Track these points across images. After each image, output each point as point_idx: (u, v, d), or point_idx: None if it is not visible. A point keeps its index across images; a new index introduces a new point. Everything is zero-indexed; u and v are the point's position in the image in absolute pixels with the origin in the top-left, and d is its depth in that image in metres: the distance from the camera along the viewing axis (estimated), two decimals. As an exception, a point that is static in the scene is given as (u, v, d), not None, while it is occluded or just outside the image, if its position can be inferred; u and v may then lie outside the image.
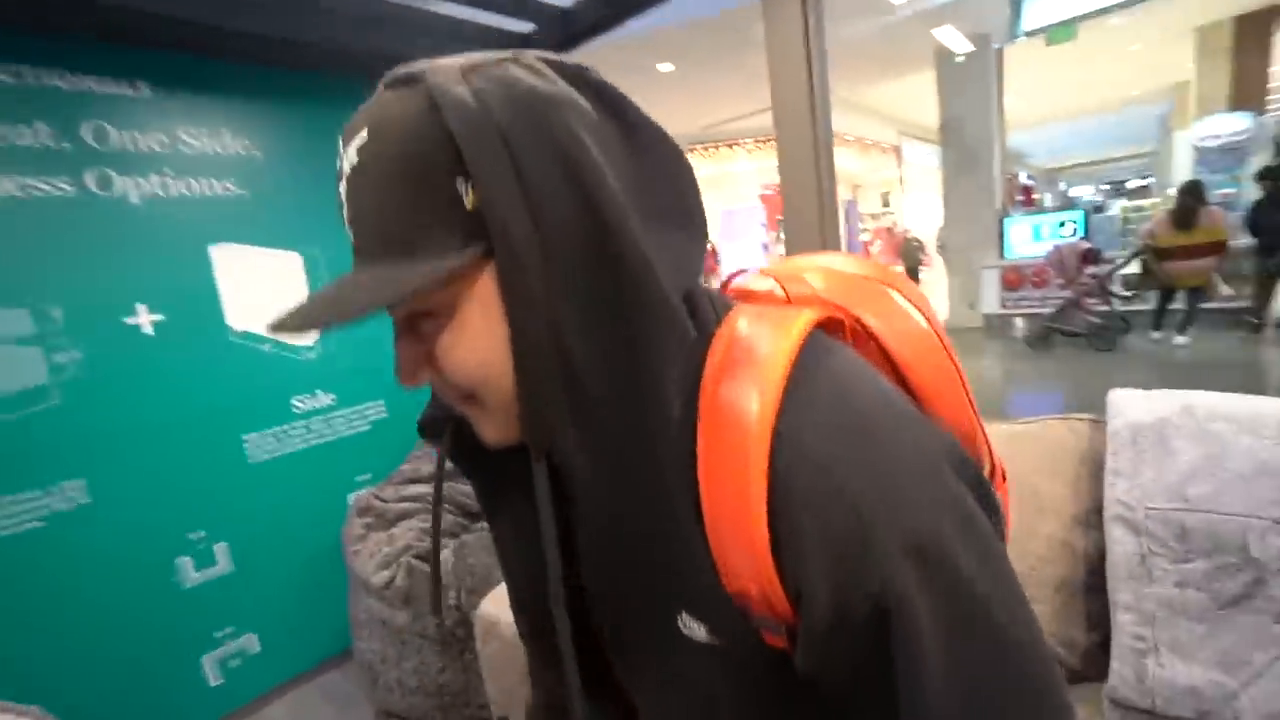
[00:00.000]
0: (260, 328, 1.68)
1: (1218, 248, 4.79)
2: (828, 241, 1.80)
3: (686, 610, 0.38)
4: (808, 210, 1.72)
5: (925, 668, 0.31)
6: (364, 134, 0.35)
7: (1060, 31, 5.57)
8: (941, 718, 0.31)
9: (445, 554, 1.48)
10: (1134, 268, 5.57)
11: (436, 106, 0.34)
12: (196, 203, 1.57)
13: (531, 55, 0.37)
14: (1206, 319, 5.25)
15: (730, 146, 9.97)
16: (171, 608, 1.53)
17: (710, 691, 0.40)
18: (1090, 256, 5.76)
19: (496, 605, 1.15)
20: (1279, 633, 0.85)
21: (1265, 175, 4.90)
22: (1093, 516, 1.03)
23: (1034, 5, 5.24)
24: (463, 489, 1.69)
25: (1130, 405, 1.05)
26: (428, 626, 1.40)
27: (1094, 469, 1.05)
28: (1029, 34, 5.46)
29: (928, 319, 0.45)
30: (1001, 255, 6.99)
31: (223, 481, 1.62)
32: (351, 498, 1.82)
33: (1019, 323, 6.83)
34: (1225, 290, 5.36)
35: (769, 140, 10.87)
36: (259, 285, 1.68)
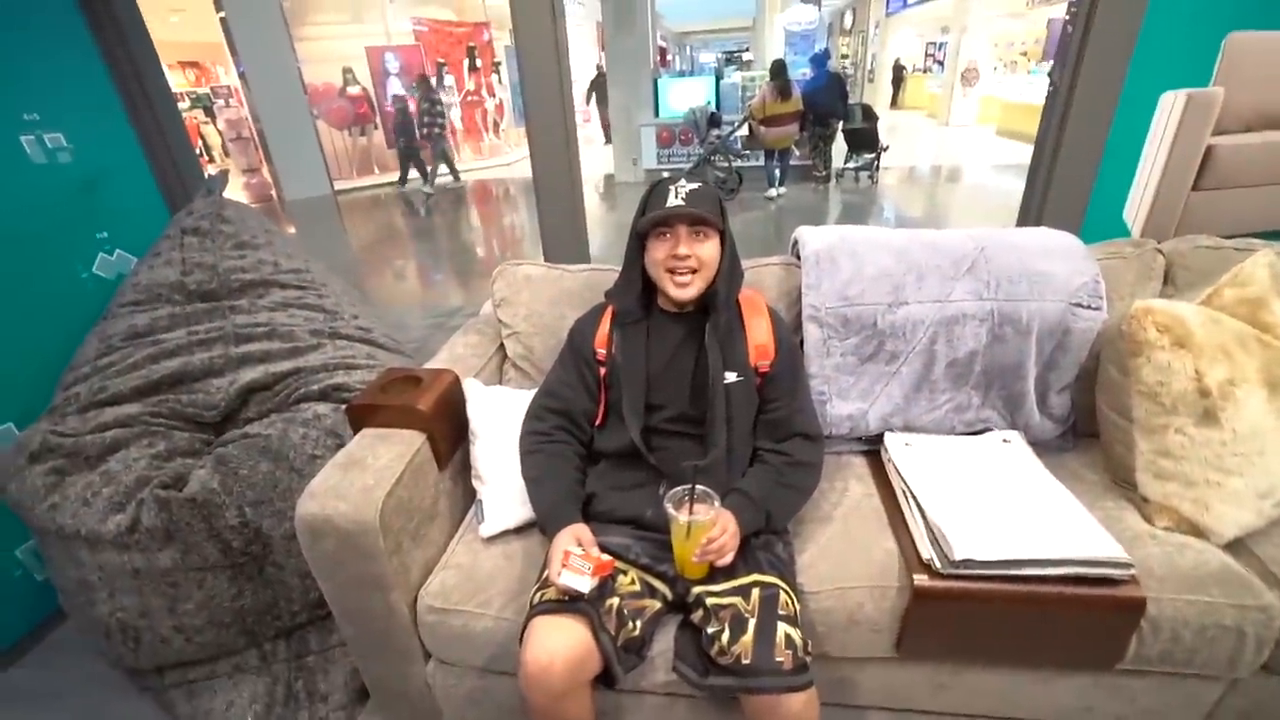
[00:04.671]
0: None
1: (799, 116, 6.27)
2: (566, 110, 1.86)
3: (727, 369, 1.12)
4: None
5: (801, 371, 1.27)
6: (697, 184, 1.10)
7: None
8: (805, 390, 1.25)
9: (203, 474, 1.25)
10: (744, 131, 6.85)
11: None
12: None
13: None
14: (792, 173, 6.95)
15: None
16: None
17: (734, 405, 1.13)
18: (714, 120, 6.86)
19: (323, 500, 1.06)
20: (888, 371, 1.41)
21: (813, 61, 6.41)
22: (798, 319, 1.45)
23: None
24: (188, 400, 1.39)
25: (811, 237, 1.47)
26: (209, 556, 1.21)
27: (795, 290, 1.47)
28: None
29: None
30: (656, 114, 7.78)
31: None
32: (9, 447, 1.31)
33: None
34: (797, 152, 7.07)
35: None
36: None
